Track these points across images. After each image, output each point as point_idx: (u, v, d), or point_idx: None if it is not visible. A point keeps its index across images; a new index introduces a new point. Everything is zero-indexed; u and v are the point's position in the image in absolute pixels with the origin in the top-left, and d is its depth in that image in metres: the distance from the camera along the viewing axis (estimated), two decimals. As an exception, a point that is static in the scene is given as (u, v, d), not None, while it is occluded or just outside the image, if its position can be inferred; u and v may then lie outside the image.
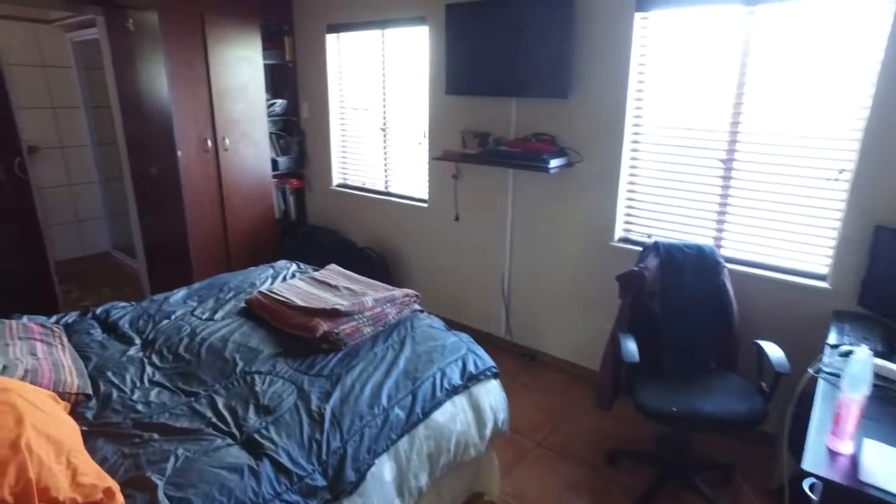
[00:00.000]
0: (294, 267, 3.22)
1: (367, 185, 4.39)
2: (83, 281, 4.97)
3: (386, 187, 4.26)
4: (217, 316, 2.56)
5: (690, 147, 2.84)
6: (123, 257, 5.20)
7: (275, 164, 4.60)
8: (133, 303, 2.73)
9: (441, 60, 3.51)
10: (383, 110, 4.11)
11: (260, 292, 2.64)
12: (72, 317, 2.56)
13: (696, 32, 2.72)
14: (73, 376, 1.96)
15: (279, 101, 4.53)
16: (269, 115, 4.48)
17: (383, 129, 4.15)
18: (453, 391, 2.12)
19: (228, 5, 3.90)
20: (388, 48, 3.97)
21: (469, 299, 3.91)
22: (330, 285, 2.74)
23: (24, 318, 2.43)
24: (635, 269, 2.53)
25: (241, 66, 4.08)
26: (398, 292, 2.61)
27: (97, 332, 2.43)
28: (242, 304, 2.65)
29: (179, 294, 2.80)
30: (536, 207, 3.42)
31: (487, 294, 3.80)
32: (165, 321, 2.50)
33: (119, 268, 5.18)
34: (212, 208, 4.13)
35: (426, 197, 3.96)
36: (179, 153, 3.71)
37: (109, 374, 2.07)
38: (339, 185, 4.59)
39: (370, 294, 2.58)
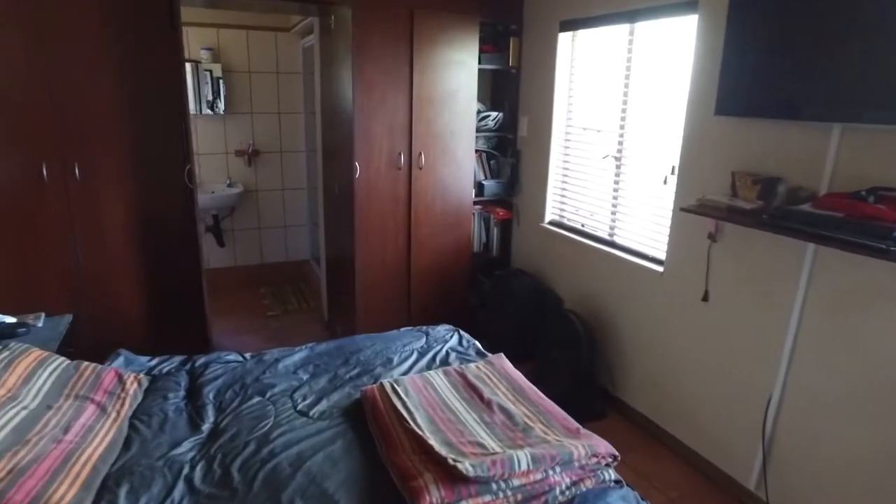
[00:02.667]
0: (454, 340, 2.38)
1: (587, 229, 3.35)
2: (278, 288, 4.88)
3: (610, 235, 3.17)
4: (317, 409, 1.84)
5: None
6: (317, 269, 5.01)
7: (480, 188, 3.85)
8: (245, 356, 2.18)
9: (713, 65, 2.31)
10: (620, 132, 3.03)
11: (382, 385, 1.84)
12: (172, 363, 2.10)
13: None
14: (72, 490, 1.38)
15: (494, 115, 3.75)
16: (480, 130, 3.73)
17: (617, 158, 3.07)
18: None
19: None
20: (635, 49, 2.88)
21: (702, 418, 2.62)
22: (482, 397, 1.82)
23: (121, 357, 2.02)
24: None
25: (453, 70, 3.40)
26: (582, 447, 1.55)
27: (178, 394, 1.90)
28: (357, 396, 1.89)
29: (297, 356, 2.17)
30: (851, 314, 2.01)
31: (735, 420, 2.47)
32: (256, 399, 1.87)
33: (311, 279, 5.00)
34: (395, 234, 3.53)
35: (663, 258, 2.77)
36: (357, 168, 3.16)
37: (129, 483, 1.47)
38: (552, 223, 3.63)
39: (534, 432, 1.59)
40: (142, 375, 1.96)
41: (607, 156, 3.12)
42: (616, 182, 3.09)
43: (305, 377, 2.02)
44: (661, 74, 2.74)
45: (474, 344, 2.35)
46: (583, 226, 3.38)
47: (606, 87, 3.11)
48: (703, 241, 2.50)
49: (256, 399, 1.87)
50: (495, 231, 4.04)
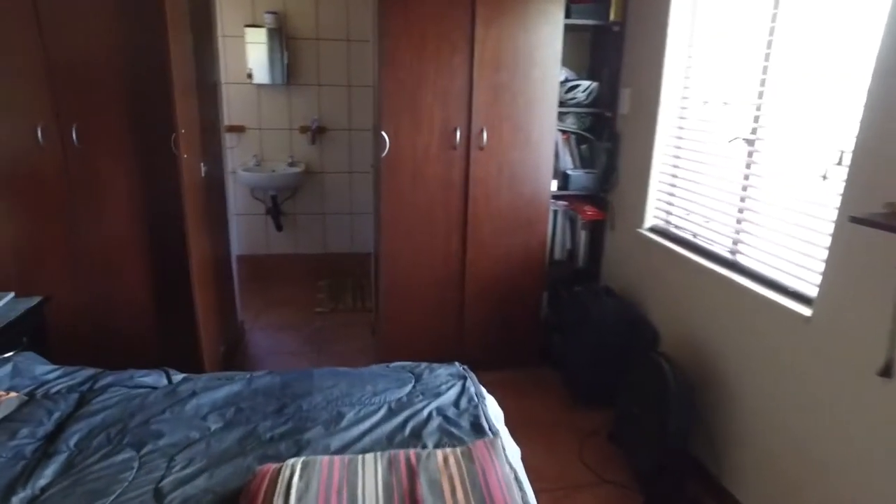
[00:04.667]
0: (451, 394, 1.67)
1: (699, 241, 2.41)
2: (338, 282, 4.37)
3: (732, 253, 2.22)
4: (183, 493, 1.21)
5: None
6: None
7: (565, 179, 3.03)
8: (166, 380, 1.60)
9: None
10: (756, 105, 2.07)
11: (281, 470, 1.15)
12: (73, 379, 1.58)
13: None
14: None
15: (586, 85, 2.90)
16: (567, 104, 2.91)
17: (750, 142, 2.12)
18: None
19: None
20: (794, -23, 1.91)
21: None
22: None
23: (9, 365, 1.54)
24: None
25: (529, 24, 2.62)
26: None
27: (38, 431, 1.39)
28: (253, 473, 1.22)
29: (222, 392, 1.57)
30: None
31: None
32: (125, 456, 1.30)
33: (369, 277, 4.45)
34: (447, 231, 2.83)
35: (813, 294, 1.79)
36: (386, 142, 2.48)
37: None
38: (653, 229, 2.73)
39: None
40: (14, 395, 1.45)
41: (736, 138, 2.17)
42: (746, 176, 2.14)
43: (214, 426, 1.41)
44: (827, 22, 1.77)
45: (479, 407, 1.57)
46: (695, 236, 2.45)
47: (740, 42, 2.16)
48: (890, 275, 1.52)
49: (125, 455, 1.29)
50: (583, 235, 3.19)
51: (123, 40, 2.37)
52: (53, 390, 1.55)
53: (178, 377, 1.64)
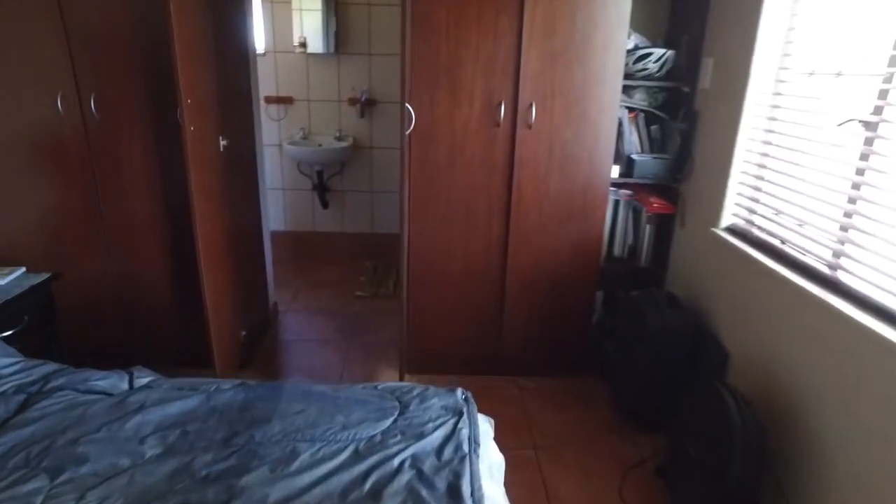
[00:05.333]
0: (437, 436, 1.36)
1: (790, 250, 1.95)
2: (383, 264, 4.13)
3: (832, 268, 1.75)
4: None
5: None
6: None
7: (629, 164, 2.61)
8: (120, 386, 1.40)
9: None
10: (887, 74, 1.59)
11: None
12: (26, 377, 1.41)
13: None
14: None
15: (659, 53, 2.45)
16: (635, 76, 2.49)
17: (868, 125, 1.64)
18: None
19: None
20: None
21: None
22: None
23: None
24: None
25: (594, -22, 2.20)
26: None
27: None
28: None
29: (174, 407, 1.35)
30: None
31: None
32: (32, 486, 1.10)
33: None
34: (487, 219, 2.50)
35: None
36: (412, 115, 2.16)
37: None
38: (731, 230, 2.27)
39: None
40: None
41: (849, 121, 1.70)
42: (860, 171, 1.66)
43: (150, 453, 1.19)
44: None
45: (466, 461, 1.22)
46: (783, 243, 1.99)
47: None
48: None
49: (36, 484, 1.09)
50: (647, 230, 2.76)
51: (144, 8, 2.18)
52: (1, 389, 1.39)
53: (142, 380, 1.44)
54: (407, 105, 2.00)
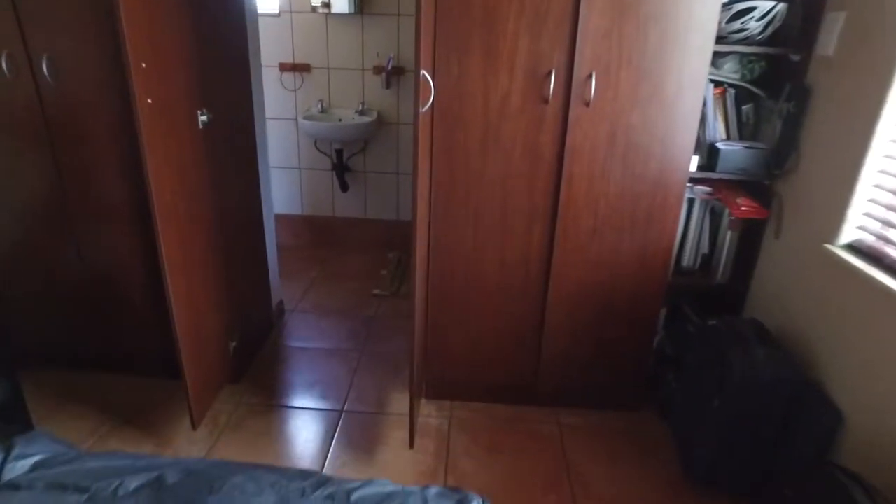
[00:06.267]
0: None
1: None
2: (407, 258, 3.66)
3: None
4: None
5: None
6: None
7: (711, 154, 2.05)
8: (66, 455, 0.98)
9: None
10: None
11: None
12: None
13: None
14: None
15: (765, 7, 1.86)
16: (727, 40, 1.91)
17: None
18: None
19: None
20: None
21: None
22: None
23: None
24: None
25: None
26: None
27: None
28: None
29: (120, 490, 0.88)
30: None
31: None
32: None
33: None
34: (528, 221, 2.00)
35: None
36: (431, 85, 1.64)
37: None
38: (853, 249, 1.70)
39: None
40: None
41: None
42: None
43: None
44: None
45: None
46: (942, 273, 1.42)
47: None
48: None
49: None
50: (728, 238, 2.21)
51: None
52: None
53: (24, 461, 1.01)
54: (423, 73, 1.48)
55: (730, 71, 2.02)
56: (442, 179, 1.95)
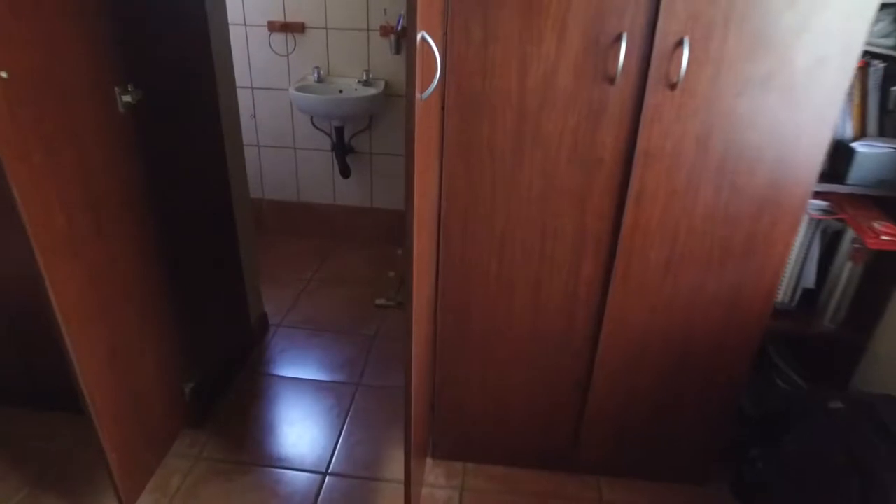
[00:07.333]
0: None
1: None
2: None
3: None
4: None
5: None
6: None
7: (839, 158, 1.44)
8: None
9: None
10: None
11: None
12: None
13: None
14: None
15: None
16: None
17: None
18: None
19: None
20: None
21: None
22: None
23: None
24: None
25: None
26: None
27: None
28: None
29: None
30: None
31: None
32: None
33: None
34: (575, 251, 1.43)
35: None
36: (437, 61, 1.03)
37: None
38: None
39: None
40: None
41: None
42: None
43: None
44: None
45: None
46: None
47: None
48: None
49: None
50: (847, 270, 1.61)
51: None
52: None
53: None
54: (424, 36, 0.88)
55: (880, 35, 1.39)
56: (456, 190, 1.38)
